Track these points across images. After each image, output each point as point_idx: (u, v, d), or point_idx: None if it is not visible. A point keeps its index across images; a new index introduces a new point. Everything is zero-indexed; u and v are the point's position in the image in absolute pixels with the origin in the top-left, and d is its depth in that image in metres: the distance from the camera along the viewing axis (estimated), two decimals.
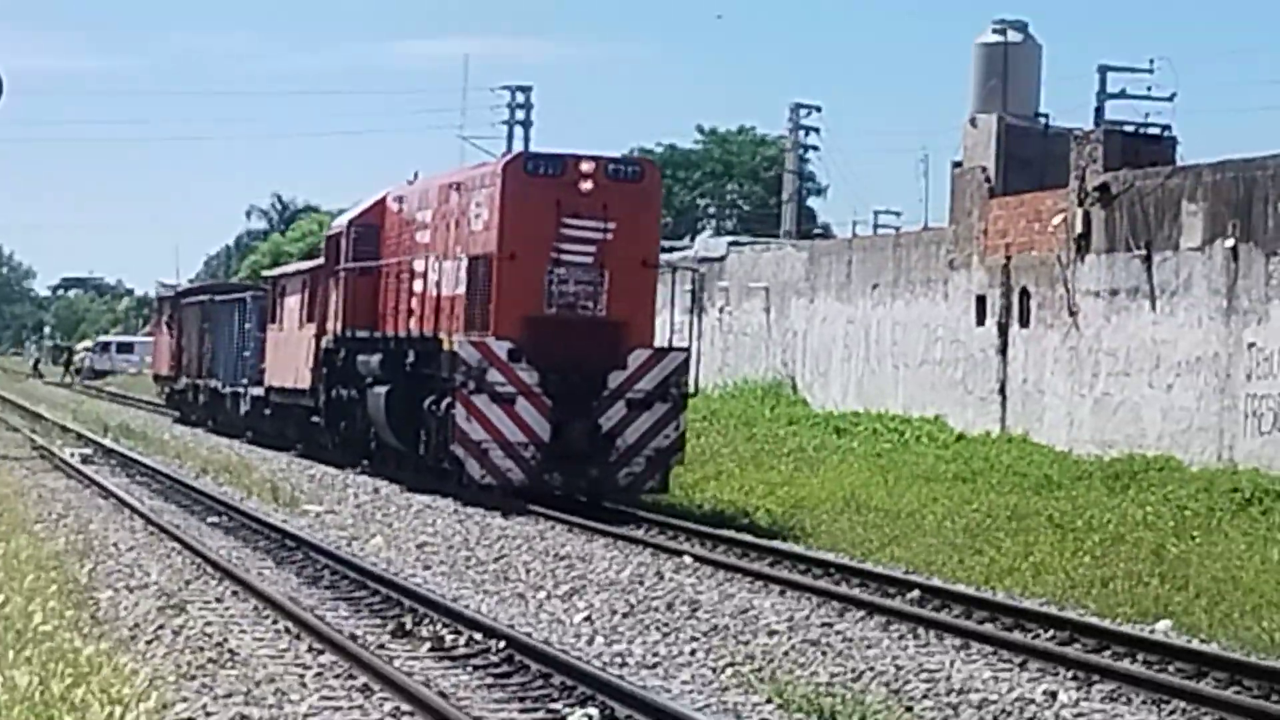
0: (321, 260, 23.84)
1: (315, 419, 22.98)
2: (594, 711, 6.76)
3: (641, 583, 12.18)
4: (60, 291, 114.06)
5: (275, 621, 9.65)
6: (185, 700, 6.53)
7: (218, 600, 10.66)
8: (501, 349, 15.94)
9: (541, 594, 11.55)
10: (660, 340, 18.19)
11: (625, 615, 10.56)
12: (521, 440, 15.99)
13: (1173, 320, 18.69)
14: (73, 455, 23.17)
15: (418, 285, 18.90)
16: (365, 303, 20.60)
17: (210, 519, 16.30)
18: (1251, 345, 17.11)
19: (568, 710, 6.86)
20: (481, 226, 17.02)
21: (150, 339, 55.18)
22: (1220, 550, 12.70)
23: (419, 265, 18.79)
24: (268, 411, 26.08)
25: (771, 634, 9.75)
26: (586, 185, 16.25)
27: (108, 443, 26.45)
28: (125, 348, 70.20)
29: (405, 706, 6.75)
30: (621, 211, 16.42)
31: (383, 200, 21.50)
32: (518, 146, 42.94)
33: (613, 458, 16.19)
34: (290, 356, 24.19)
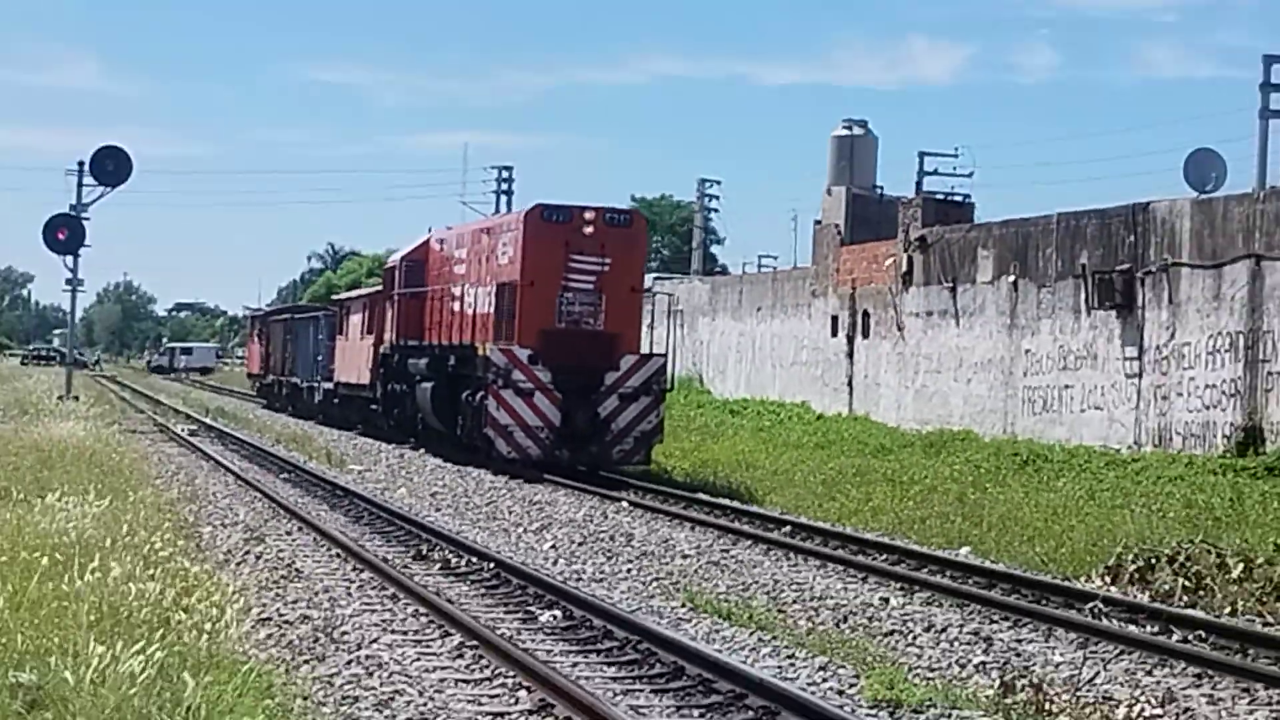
0: (379, 287, 30.21)
1: (374, 407, 28.80)
2: (558, 613, 9.34)
3: (592, 520, 15.27)
4: (173, 312, 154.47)
5: (329, 549, 12.65)
6: (264, 605, 8.95)
7: (287, 533, 13.96)
8: (523, 354, 19.93)
9: (520, 529, 14.77)
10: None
11: (580, 544, 13.60)
12: (538, 424, 19.98)
13: (971, 333, 25.54)
14: (183, 430, 30.01)
15: (455, 306, 23.75)
16: (414, 319, 25.78)
17: (282, 475, 20.86)
18: (1028, 351, 23.61)
19: (539, 611, 9.46)
20: (508, 260, 21.21)
21: (206, 345, 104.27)
22: (1005, 497, 16.74)
23: (456, 290, 23.75)
24: (335, 401, 33.33)
25: (685, 557, 12.70)
26: (589, 229, 20.38)
27: (209, 421, 34.04)
28: (186, 351, 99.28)
29: (422, 609, 9.27)
30: (615, 249, 20.53)
31: (426, 242, 26.94)
32: (503, 209, 55.28)
33: (608, 438, 20.11)
34: (354, 360, 30.81)
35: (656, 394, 20.38)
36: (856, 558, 12.85)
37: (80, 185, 33.15)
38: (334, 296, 40.70)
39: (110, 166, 32.37)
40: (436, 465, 23.12)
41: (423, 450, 25.10)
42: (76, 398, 34.22)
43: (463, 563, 11.83)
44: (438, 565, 11.88)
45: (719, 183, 63.62)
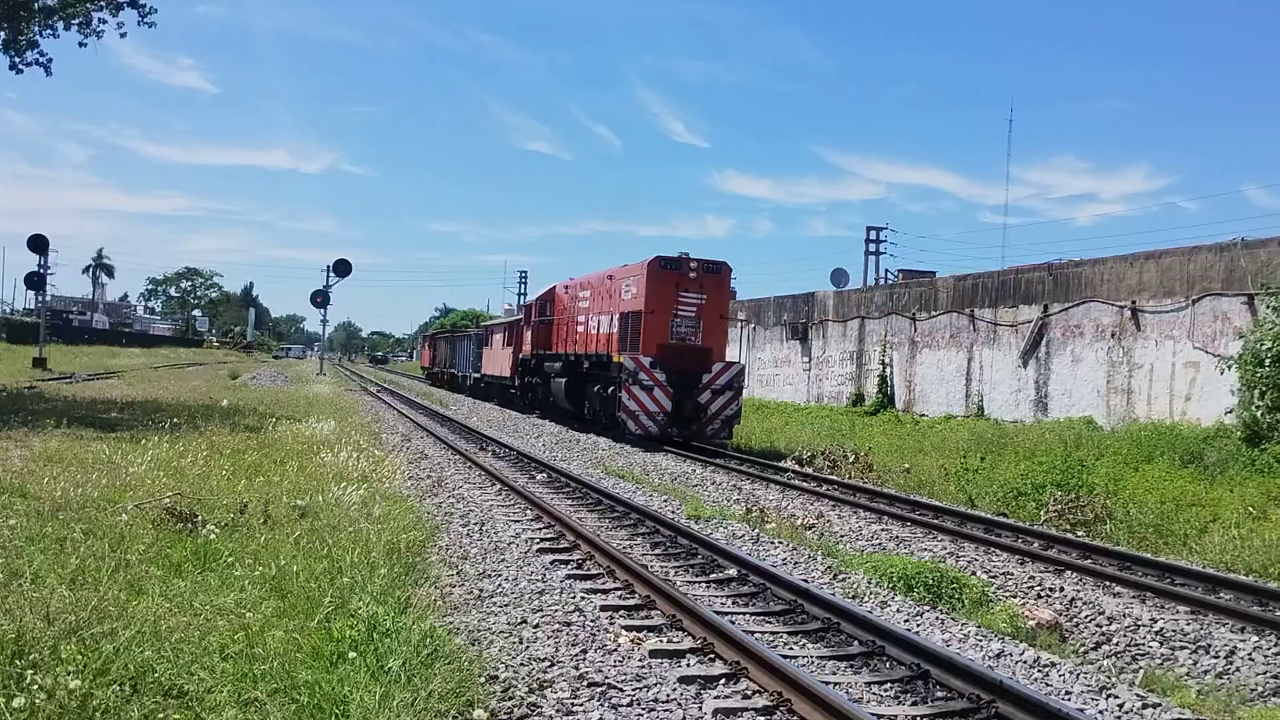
0: (516, 317, 45.91)
1: (512, 391, 43.61)
2: (545, 475, 18.24)
3: (564, 438, 24.65)
4: (370, 335, 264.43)
5: (441, 447, 21.87)
6: (410, 471, 17.96)
7: (421, 440, 23.67)
8: (646, 361, 27.16)
9: (530, 439, 23.88)
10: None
11: (556, 445, 23.09)
12: (656, 410, 27.29)
13: (733, 350, 40.07)
14: (376, 390, 56.87)
15: (580, 329, 33.16)
16: (545, 337, 37.44)
17: (421, 412, 38.40)
18: (758, 358, 45.43)
19: (537, 472, 18.46)
20: (632, 296, 28.58)
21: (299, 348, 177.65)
22: (752, 425, 31.57)
23: (581, 319, 33.24)
24: (482, 385, 52.12)
25: (603, 451, 21.77)
26: (692, 274, 27.75)
27: (388, 386, 63.94)
28: (298, 352, 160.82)
29: (480, 473, 18.25)
30: (709, 288, 27.94)
31: (553, 289, 38.24)
32: (519, 300, 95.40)
33: (704, 420, 27.36)
34: (497, 361, 47.70)
35: (737, 390, 27.67)
36: (687, 453, 25.40)
37: (328, 276, 69.47)
38: (481, 323, 62.44)
39: (342, 269, 65.66)
40: (492, 409, 42.65)
41: (538, 413, 38.50)
42: (325, 374, 69.58)
43: (503, 453, 21.32)
44: (490, 453, 21.58)
45: None
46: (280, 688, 6.09)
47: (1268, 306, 20.45)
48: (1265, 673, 8.69)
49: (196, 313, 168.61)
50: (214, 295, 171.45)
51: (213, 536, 9.57)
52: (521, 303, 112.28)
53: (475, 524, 13.62)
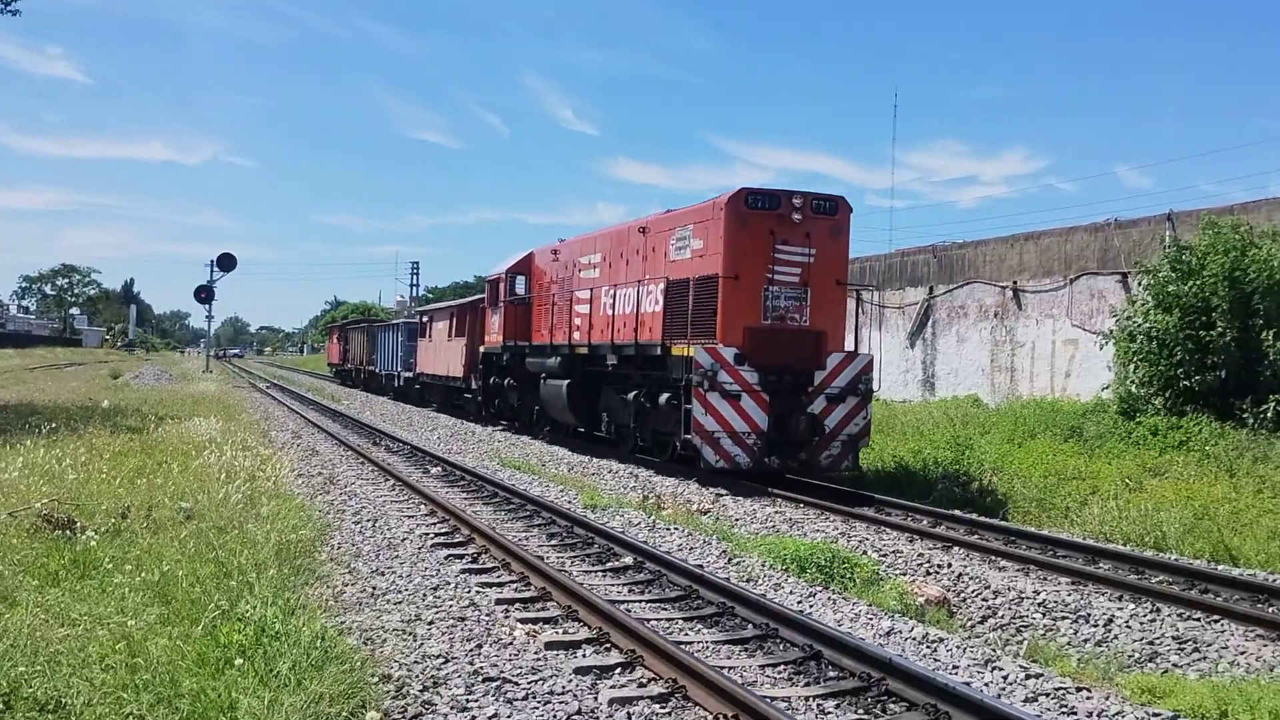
0: (465, 299, 37.22)
1: (466, 395, 33.87)
2: (440, 469, 18.09)
3: (460, 431, 24.22)
4: (259, 330, 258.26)
5: (333, 442, 21.27)
6: (300, 470, 17.60)
7: (312, 436, 22.75)
8: (729, 354, 17.64)
9: (425, 431, 23.47)
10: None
11: (451, 438, 22.64)
12: (745, 430, 17.67)
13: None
14: (265, 386, 53.72)
15: (583, 309, 23.27)
16: (524, 323, 27.38)
17: (313, 408, 36.66)
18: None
19: (431, 465, 18.27)
20: (694, 254, 18.99)
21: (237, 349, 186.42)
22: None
23: (585, 294, 23.25)
24: (418, 387, 41.75)
25: (498, 443, 21.57)
26: (796, 216, 17.94)
27: (279, 383, 60.30)
28: (236, 354, 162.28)
29: (373, 468, 17.99)
30: (821, 239, 18.19)
31: (529, 256, 28.27)
32: (411, 289, 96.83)
33: (820, 441, 18.02)
34: (440, 356, 37.14)
35: (863, 394, 18.35)
36: (586, 442, 24.08)
37: (212, 271, 65.00)
38: (418, 309, 50.65)
39: (226, 263, 63.33)
40: (387, 404, 41.05)
41: (504, 425, 29.90)
42: (211, 371, 66.01)
43: (396, 446, 21.13)
44: (383, 448, 21.08)
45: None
46: (164, 697, 5.93)
47: (1139, 285, 21.18)
48: (1141, 639, 9.02)
49: (75, 311, 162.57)
50: (92, 293, 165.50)
51: (92, 543, 9.26)
52: (415, 293, 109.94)
53: (368, 521, 13.43)
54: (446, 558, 11.35)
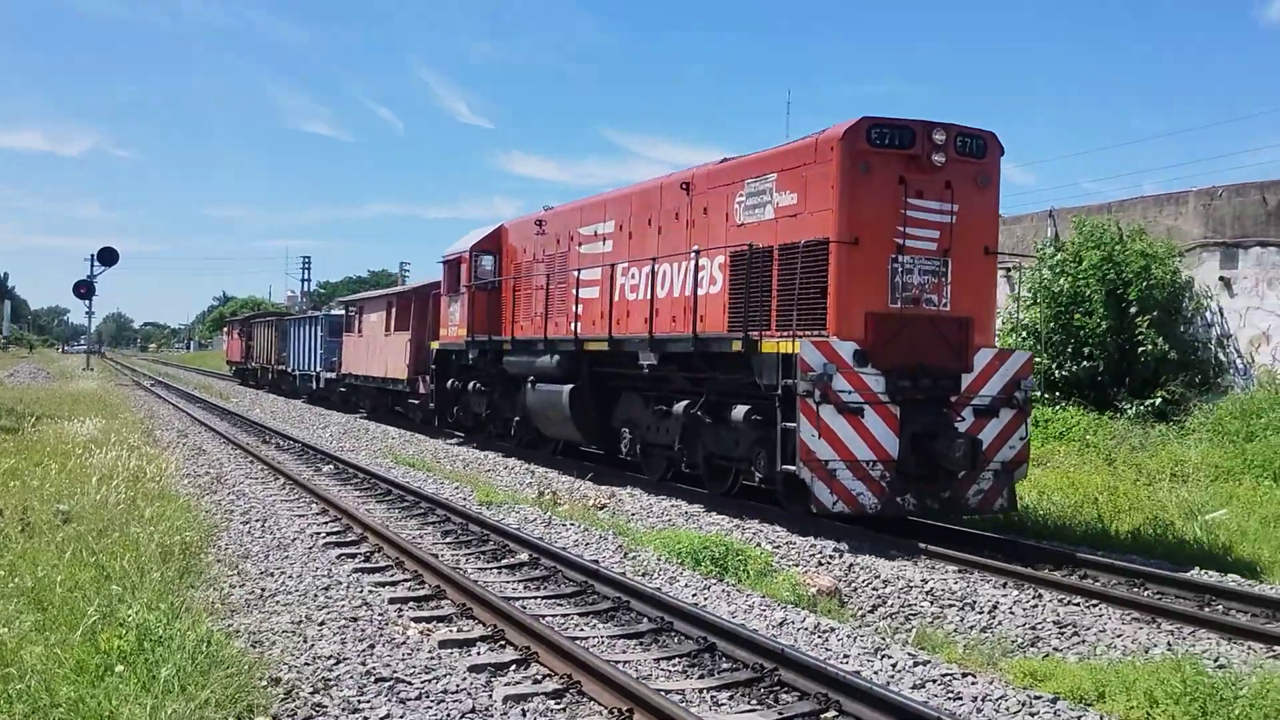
0: (404, 288, 32.19)
1: (412, 401, 27.88)
2: (332, 467, 17.78)
3: (352, 428, 23.70)
4: (143, 327, 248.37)
5: (222, 441, 20.61)
6: (186, 470, 17.13)
7: (199, 434, 21.92)
8: (846, 351, 12.63)
9: (317, 429, 22.99)
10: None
11: (344, 436, 22.05)
12: (870, 458, 12.70)
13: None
14: (150, 384, 52.06)
15: (590, 293, 18.28)
16: (491, 312, 22.06)
17: (198, 406, 35.89)
18: None
19: (322, 464, 17.91)
20: (777, 214, 13.94)
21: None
22: None
23: (594, 275, 18.07)
24: (343, 389, 36.00)
25: (392, 440, 21.24)
26: (938, 159, 13.03)
27: (164, 380, 58.08)
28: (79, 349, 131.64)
29: (262, 467, 17.59)
30: (965, 191, 13.38)
31: (498, 230, 23.05)
32: (302, 284, 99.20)
33: (967, 472, 13.01)
34: (375, 354, 31.14)
35: (1021, 405, 13.56)
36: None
37: (93, 265, 62.31)
38: (343, 299, 42.69)
39: (108, 257, 60.92)
40: (283, 403, 39.56)
41: (463, 438, 24.75)
42: (92, 369, 62.86)
43: (286, 444, 20.65)
44: (274, 446, 20.64)
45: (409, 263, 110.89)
46: (39, 707, 5.73)
47: (1019, 279, 21.79)
48: (1024, 625, 9.28)
49: None
50: None
51: None
52: (307, 289, 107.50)
53: (257, 521, 13.16)
54: (338, 557, 11.17)
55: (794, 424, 12.65)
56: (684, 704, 6.68)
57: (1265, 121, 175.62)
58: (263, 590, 9.44)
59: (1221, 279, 20.86)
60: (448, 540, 12.48)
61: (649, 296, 16.41)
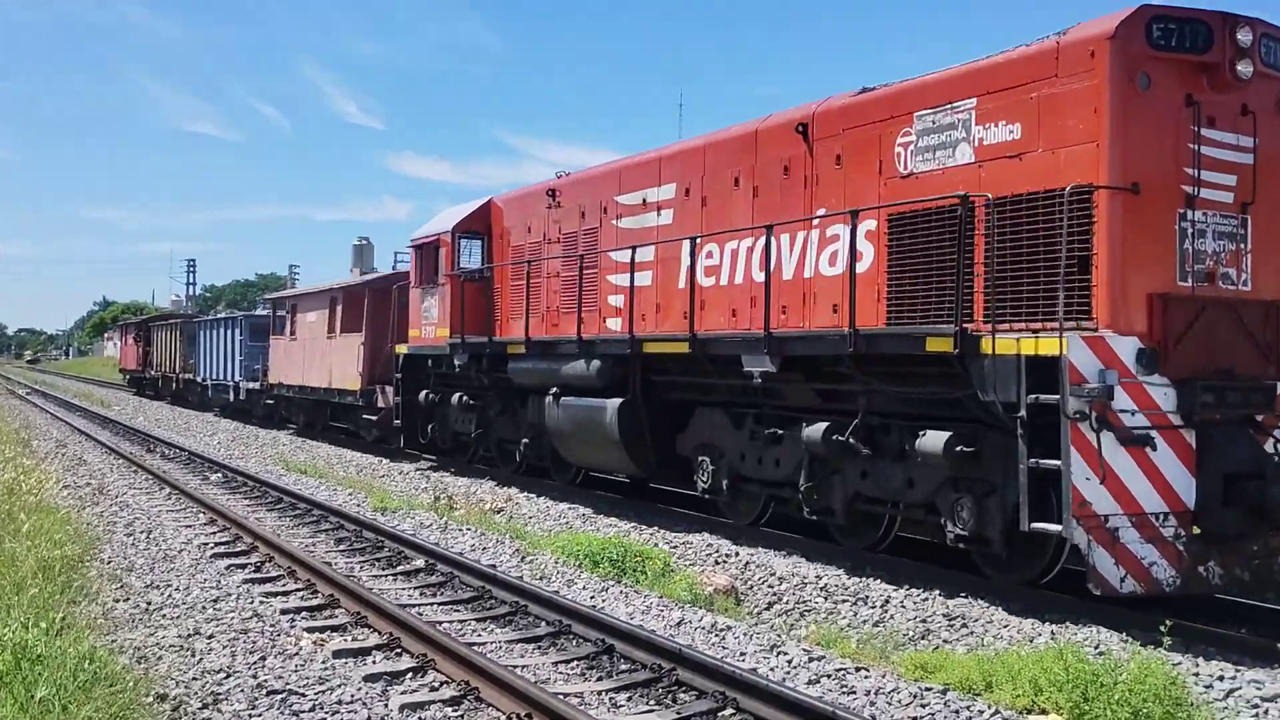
0: (354, 281, 26.59)
1: (369, 415, 22.99)
2: (221, 476, 17.38)
3: (241, 434, 23.15)
4: (16, 333, 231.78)
5: (104, 451, 19.94)
6: (65, 481, 16.56)
7: (79, 444, 21.16)
8: (1127, 351, 8.80)
9: (205, 437, 22.37)
10: None
11: (234, 443, 21.65)
12: (1161, 510, 8.83)
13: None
14: (25, 392, 50.66)
15: (641, 280, 14.11)
16: (481, 308, 18.11)
17: (79, 414, 35.10)
18: None
19: (210, 473, 17.48)
20: (979, 154, 10.00)
21: None
22: None
23: (644, 256, 14.09)
24: (270, 402, 30.46)
25: (284, 446, 20.86)
26: (1243, 69, 9.21)
27: (41, 389, 54.55)
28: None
29: (148, 476, 17.09)
30: (1267, 118, 9.58)
31: (485, 209, 18.87)
32: (187, 288, 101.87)
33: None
34: (316, 360, 26.12)
35: None
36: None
37: None
38: (269, 296, 37.01)
39: None
40: (169, 410, 44.40)
41: (431, 464, 20.39)
42: None
43: (172, 453, 20.13)
44: (159, 454, 20.03)
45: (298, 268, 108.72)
46: None
47: None
48: (914, 618, 9.47)
49: None
50: None
51: None
52: (192, 292, 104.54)
53: (142, 532, 12.80)
54: (228, 568, 10.92)
55: (1058, 461, 8.62)
56: (582, 706, 6.67)
57: None
58: (148, 604, 9.18)
59: None
60: (341, 548, 12.28)
61: (761, 278, 11.81)
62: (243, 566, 11.07)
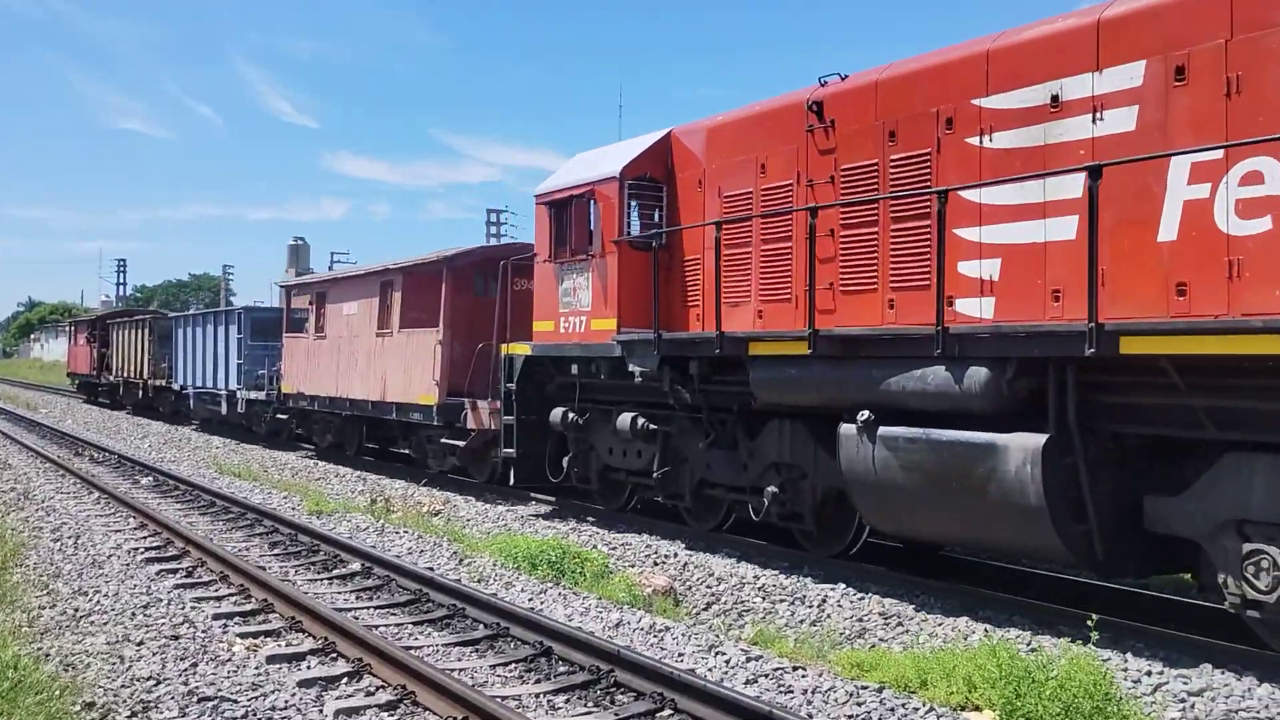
0: (427, 258, 18.89)
1: (449, 440, 17.53)
2: (152, 479, 17.07)
3: (173, 438, 22.89)
4: None
5: (28, 454, 19.54)
6: None
7: (2, 447, 20.49)
8: None
9: (136, 440, 21.95)
10: None
11: (165, 446, 21.19)
12: None
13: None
14: None
15: (1061, 228, 8.78)
16: (666, 289, 12.87)
17: (3, 417, 33.40)
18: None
19: (141, 476, 17.13)
20: None
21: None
22: None
23: (1059, 191, 8.77)
24: (282, 416, 24.38)
25: (217, 449, 20.61)
26: None
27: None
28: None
29: (75, 480, 16.73)
30: None
31: (665, 144, 13.38)
32: (118, 288, 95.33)
33: None
34: (351, 365, 20.61)
35: None
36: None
37: None
38: (284, 283, 28.15)
39: None
40: (116, 417, 41.06)
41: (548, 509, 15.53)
42: None
43: (101, 457, 19.81)
44: (88, 458, 19.72)
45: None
46: None
47: None
48: (850, 617, 9.56)
49: None
50: None
51: None
52: (123, 293, 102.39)
53: (69, 537, 12.53)
54: (158, 573, 10.73)
55: None
56: (520, 709, 6.64)
57: None
58: (76, 610, 8.99)
59: None
60: (276, 552, 12.12)
61: None
62: (174, 571, 10.88)
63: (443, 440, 17.96)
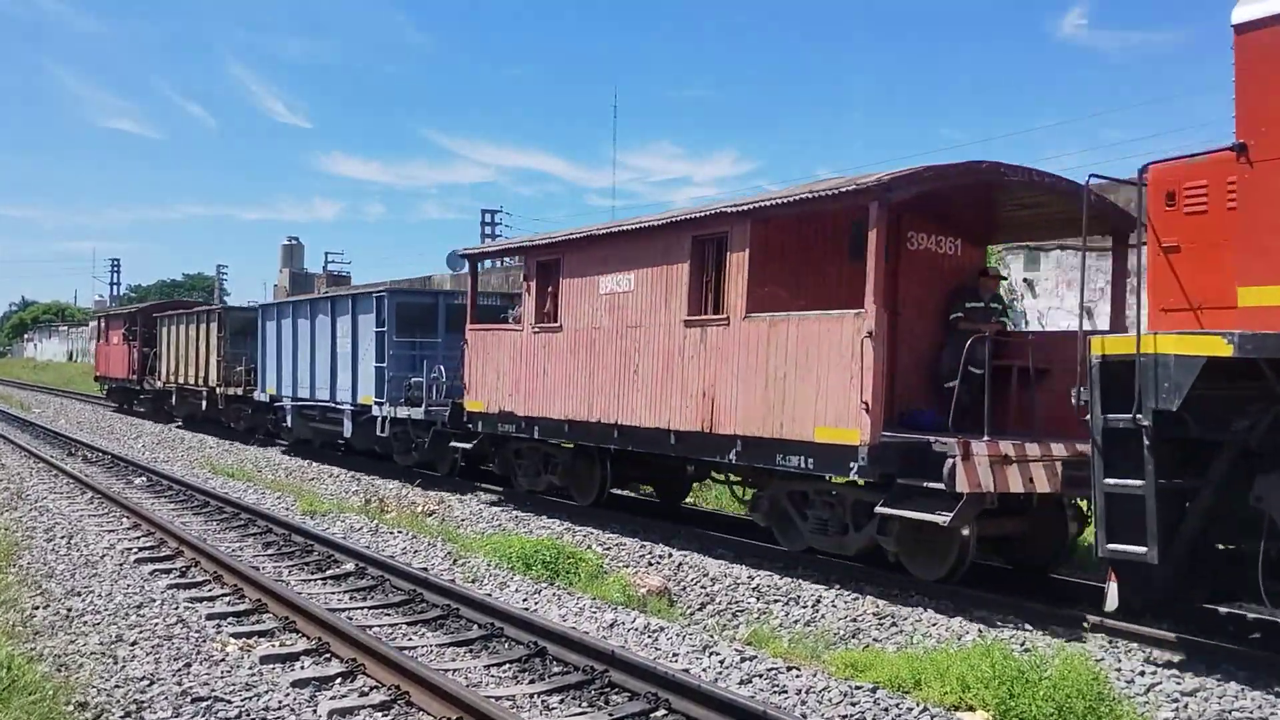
0: (784, 190, 11.50)
1: (905, 512, 9.81)
2: (145, 480, 17.04)
3: (166, 437, 22.80)
4: None
5: (22, 454, 19.55)
6: None
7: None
8: None
9: (129, 440, 21.89)
10: None
11: (158, 446, 21.09)
12: None
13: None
14: None
15: None
16: None
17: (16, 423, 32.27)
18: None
19: (134, 476, 17.11)
20: None
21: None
22: None
23: None
24: (462, 445, 16.83)
25: (210, 450, 20.58)
26: None
27: None
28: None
29: (67, 480, 16.72)
30: None
31: None
32: (111, 288, 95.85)
33: None
34: (620, 374, 13.17)
35: None
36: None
37: None
38: (464, 251, 17.69)
39: None
40: (108, 417, 33.85)
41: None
42: None
43: (94, 458, 19.84)
44: (80, 458, 19.64)
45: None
46: None
47: None
48: (844, 618, 9.57)
49: None
50: None
51: None
52: (116, 292, 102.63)
53: (62, 538, 12.50)
54: (152, 573, 10.71)
55: None
56: (514, 709, 6.64)
57: (1056, 130, 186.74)
58: (69, 610, 8.97)
59: (1025, 280, 21.62)
60: (269, 552, 12.10)
61: None
62: (168, 572, 10.87)
63: (888, 509, 10.02)
